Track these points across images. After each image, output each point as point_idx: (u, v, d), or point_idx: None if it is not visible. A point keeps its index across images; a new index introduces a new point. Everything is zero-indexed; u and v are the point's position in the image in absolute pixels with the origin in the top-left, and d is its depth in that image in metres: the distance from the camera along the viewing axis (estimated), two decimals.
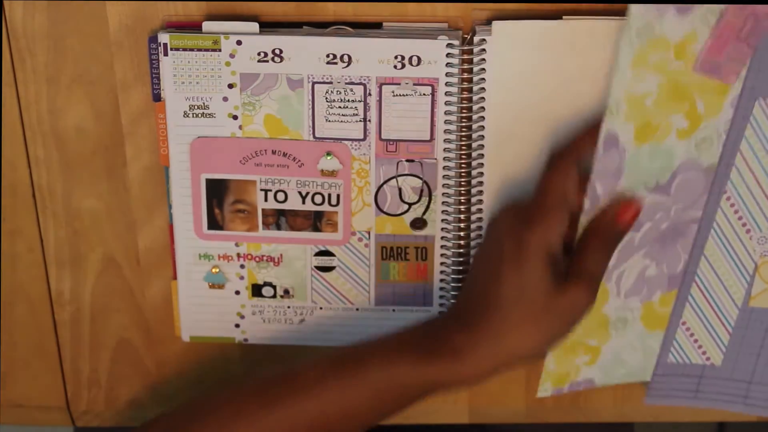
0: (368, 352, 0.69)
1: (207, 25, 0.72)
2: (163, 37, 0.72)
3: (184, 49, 0.72)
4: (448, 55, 0.72)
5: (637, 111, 0.67)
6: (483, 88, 0.72)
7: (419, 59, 0.72)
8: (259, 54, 0.72)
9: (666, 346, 0.78)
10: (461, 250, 0.77)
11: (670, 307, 0.77)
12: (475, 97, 0.73)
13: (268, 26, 0.72)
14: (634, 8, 0.64)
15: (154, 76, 0.74)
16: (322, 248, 0.77)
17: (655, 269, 0.75)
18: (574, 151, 0.69)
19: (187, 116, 0.74)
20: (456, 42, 0.71)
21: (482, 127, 0.73)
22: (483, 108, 0.73)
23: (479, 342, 0.67)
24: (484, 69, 0.72)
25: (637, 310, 0.76)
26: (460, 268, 0.77)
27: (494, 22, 0.71)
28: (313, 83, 0.73)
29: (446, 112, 0.73)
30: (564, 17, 0.70)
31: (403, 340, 0.70)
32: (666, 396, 0.79)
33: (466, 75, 0.72)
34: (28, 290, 0.80)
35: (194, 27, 0.72)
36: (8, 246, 0.79)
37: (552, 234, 0.67)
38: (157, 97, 0.74)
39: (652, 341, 0.78)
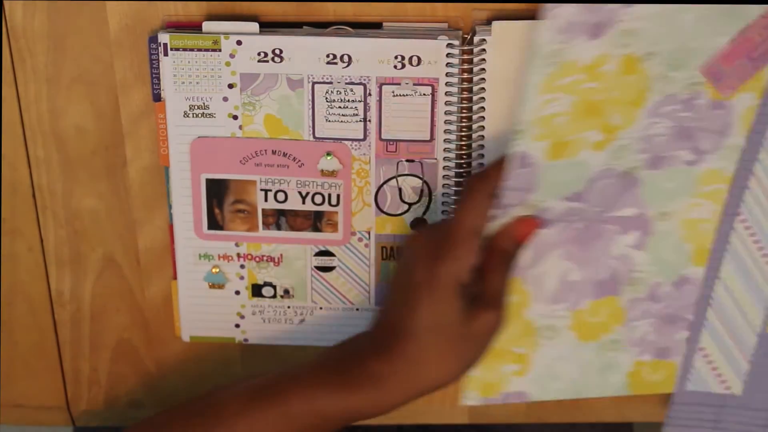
0: (288, 384, 0.70)
1: (207, 25, 0.72)
2: (163, 37, 0.72)
3: (184, 49, 0.72)
4: (448, 55, 0.72)
5: (548, 131, 0.68)
6: (483, 88, 0.72)
7: (419, 59, 0.72)
8: (259, 54, 0.72)
9: (684, 373, 0.77)
10: None
11: (604, 317, 0.75)
12: (475, 97, 0.73)
13: (268, 26, 0.72)
14: (540, 37, 0.65)
15: (154, 76, 0.74)
16: (322, 248, 0.77)
17: (578, 274, 0.74)
18: (488, 181, 0.69)
19: (187, 116, 0.74)
20: (456, 42, 0.71)
21: (482, 127, 0.73)
22: (483, 108, 0.73)
23: (397, 370, 0.68)
24: (484, 69, 0.72)
25: (566, 318, 0.75)
26: None
27: (494, 22, 0.71)
28: (313, 83, 0.73)
29: (446, 112, 0.73)
30: None
31: (320, 369, 0.70)
32: (685, 426, 0.79)
33: (466, 75, 0.72)
34: (28, 290, 0.80)
35: (194, 27, 0.72)
36: (8, 246, 0.79)
37: (463, 265, 0.68)
38: (157, 97, 0.74)
39: (587, 354, 0.76)
